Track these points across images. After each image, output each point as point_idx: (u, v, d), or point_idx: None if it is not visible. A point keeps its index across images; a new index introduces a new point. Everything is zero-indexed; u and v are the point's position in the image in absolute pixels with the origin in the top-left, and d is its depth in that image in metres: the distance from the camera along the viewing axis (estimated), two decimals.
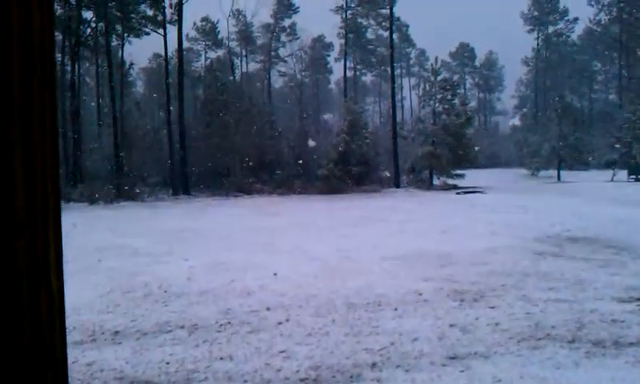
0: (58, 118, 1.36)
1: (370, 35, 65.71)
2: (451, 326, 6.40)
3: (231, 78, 46.90)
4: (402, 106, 69.95)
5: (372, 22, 61.06)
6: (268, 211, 21.95)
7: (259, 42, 67.86)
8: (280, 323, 6.62)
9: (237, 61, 63.04)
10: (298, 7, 63.74)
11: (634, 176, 36.67)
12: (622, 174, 38.66)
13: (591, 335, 5.91)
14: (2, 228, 1.20)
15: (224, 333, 6.33)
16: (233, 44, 65.22)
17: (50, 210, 1.28)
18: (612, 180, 37.76)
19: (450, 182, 34.53)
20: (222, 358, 5.50)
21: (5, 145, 1.20)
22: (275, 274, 9.37)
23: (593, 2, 63.55)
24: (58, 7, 32.70)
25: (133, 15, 38.12)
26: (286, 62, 67.43)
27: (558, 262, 10.32)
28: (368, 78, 77.64)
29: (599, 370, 4.99)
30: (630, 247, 11.63)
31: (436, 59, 38.23)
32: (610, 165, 41.27)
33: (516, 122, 74.73)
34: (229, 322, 6.71)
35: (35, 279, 1.25)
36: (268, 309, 7.25)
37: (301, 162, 32.29)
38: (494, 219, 17.18)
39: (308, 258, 11.12)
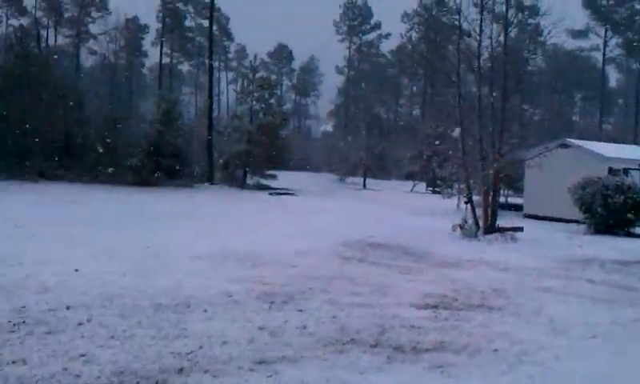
0: None
1: (188, 23, 64.17)
2: (260, 328, 6.40)
3: (36, 51, 43.19)
4: (219, 101, 68.86)
5: (191, 8, 59.72)
6: (66, 200, 20.60)
7: (67, 14, 63.37)
8: (81, 324, 6.18)
9: (43, 33, 58.22)
10: None
11: (431, 188, 39.55)
12: (422, 185, 41.65)
13: (392, 340, 6.24)
14: None
15: (17, 333, 5.76)
16: (39, 13, 60.50)
17: None
18: (412, 190, 40.51)
19: (263, 182, 34.85)
20: (14, 362, 5.00)
21: None
22: (77, 271, 8.76)
23: (405, 19, 67.06)
24: None
25: None
26: (96, 39, 63.86)
27: (362, 267, 10.84)
28: (185, 67, 74.94)
29: (400, 375, 5.28)
30: (427, 255, 12.55)
31: (255, 56, 38.49)
32: (410, 176, 44.24)
33: (328, 128, 77.40)
34: (23, 322, 6.12)
35: None
36: (68, 308, 6.74)
37: (110, 149, 30.41)
38: (304, 222, 17.65)
39: (110, 253, 10.55)
